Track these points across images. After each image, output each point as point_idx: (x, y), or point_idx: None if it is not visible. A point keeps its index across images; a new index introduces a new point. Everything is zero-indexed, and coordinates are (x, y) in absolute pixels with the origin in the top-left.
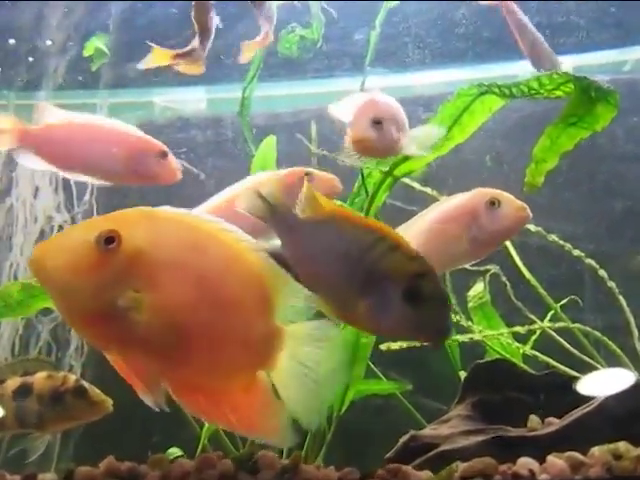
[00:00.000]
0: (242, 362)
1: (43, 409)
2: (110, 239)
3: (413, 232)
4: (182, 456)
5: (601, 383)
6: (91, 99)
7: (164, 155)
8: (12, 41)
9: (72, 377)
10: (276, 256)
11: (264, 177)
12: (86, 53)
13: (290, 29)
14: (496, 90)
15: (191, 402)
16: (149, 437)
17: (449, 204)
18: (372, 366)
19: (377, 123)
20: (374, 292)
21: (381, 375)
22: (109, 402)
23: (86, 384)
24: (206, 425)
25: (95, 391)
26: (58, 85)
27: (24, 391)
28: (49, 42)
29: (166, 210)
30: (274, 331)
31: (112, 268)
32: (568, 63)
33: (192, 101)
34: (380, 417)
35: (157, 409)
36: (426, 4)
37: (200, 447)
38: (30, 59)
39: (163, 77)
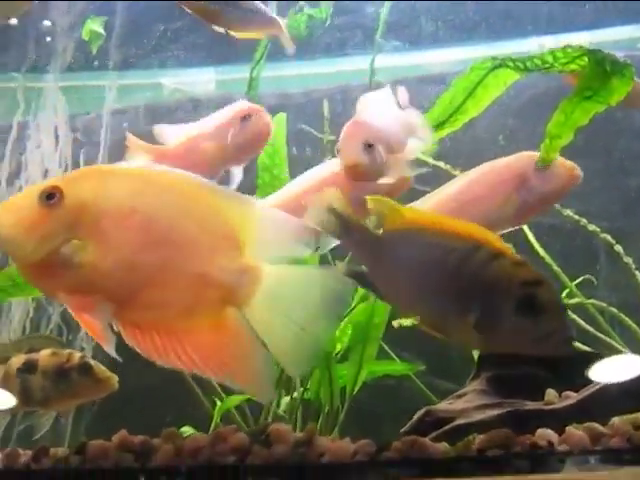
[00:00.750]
0: (201, 299)
1: (47, 386)
2: (51, 195)
3: (454, 196)
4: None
5: (616, 369)
6: (99, 81)
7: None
8: (14, 21)
9: (77, 354)
10: (360, 278)
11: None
12: (85, 36)
13: (298, 8)
14: (510, 64)
15: (144, 342)
16: (162, 417)
17: (493, 167)
18: (385, 346)
19: (369, 146)
20: (480, 305)
21: (394, 355)
22: (115, 379)
23: (92, 361)
24: (219, 404)
25: (100, 368)
26: (66, 67)
27: (28, 368)
28: (56, 24)
29: (119, 165)
30: (245, 267)
31: (55, 221)
32: (583, 39)
33: (201, 82)
34: (393, 397)
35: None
36: None
37: (213, 425)
38: (37, 41)
39: (172, 58)
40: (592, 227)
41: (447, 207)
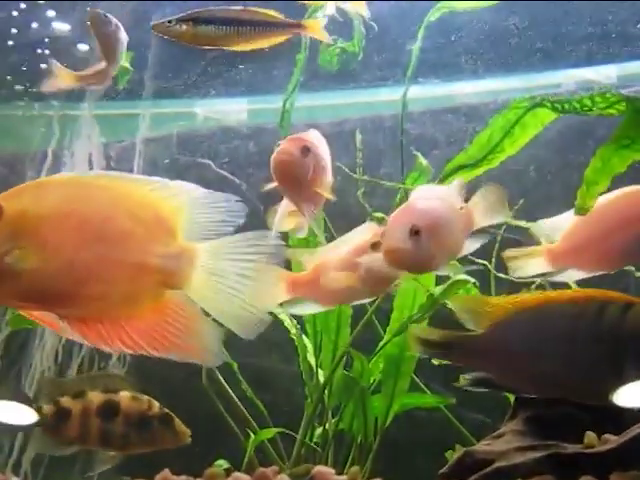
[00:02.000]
0: (141, 286)
1: (129, 431)
2: None
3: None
4: (230, 469)
5: None
6: (134, 109)
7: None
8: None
9: (155, 402)
10: (485, 384)
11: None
12: None
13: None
14: (548, 104)
15: (91, 334)
16: (192, 447)
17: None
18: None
19: (415, 233)
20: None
21: (424, 387)
22: (188, 434)
23: (170, 412)
24: (252, 436)
25: (178, 420)
26: (101, 95)
27: (110, 410)
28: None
29: (56, 176)
30: (180, 250)
31: None
32: (613, 72)
33: (234, 111)
34: (423, 428)
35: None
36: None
37: (247, 458)
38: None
39: (205, 87)
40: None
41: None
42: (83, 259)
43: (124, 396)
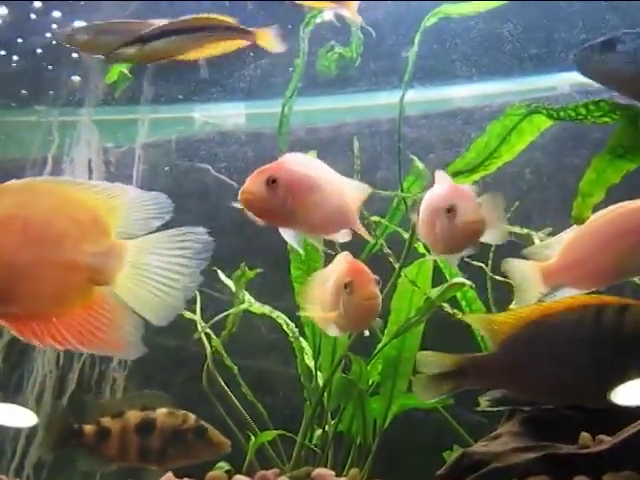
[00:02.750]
0: (72, 284)
1: (165, 445)
2: None
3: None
4: (231, 470)
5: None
6: (132, 115)
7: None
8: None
9: (191, 415)
10: (504, 402)
11: None
12: (109, 79)
13: (329, 47)
14: (543, 111)
15: (25, 330)
16: None
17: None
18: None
19: (448, 211)
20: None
21: None
22: (227, 444)
23: (206, 424)
24: (252, 439)
25: (214, 432)
26: (99, 101)
27: (147, 426)
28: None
29: (9, 182)
30: (110, 248)
31: None
32: None
33: (231, 116)
34: (421, 429)
35: None
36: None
37: (247, 461)
38: (72, 75)
39: (203, 92)
40: None
41: (582, 246)
42: (21, 260)
43: (160, 413)
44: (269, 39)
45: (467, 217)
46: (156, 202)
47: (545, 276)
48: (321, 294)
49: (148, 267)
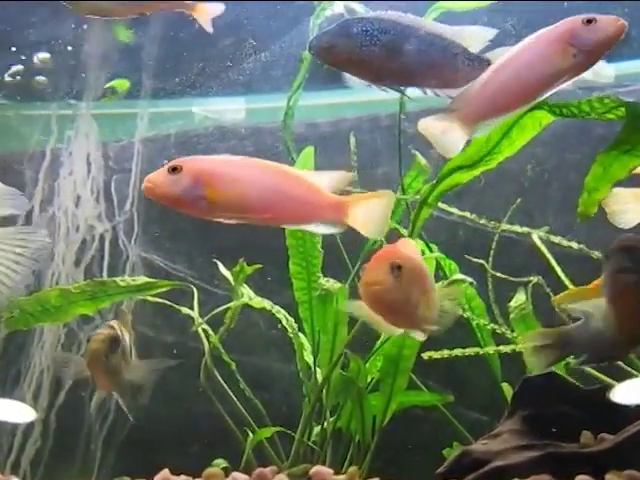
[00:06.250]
0: None
1: None
2: None
3: (507, 63)
4: (228, 468)
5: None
6: (131, 109)
7: None
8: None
9: None
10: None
11: None
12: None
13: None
14: (546, 107)
15: None
16: (190, 446)
17: (541, 31)
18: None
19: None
20: None
21: (422, 385)
22: None
23: None
24: (250, 436)
25: None
26: (99, 95)
27: None
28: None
29: None
30: None
31: None
32: (611, 71)
33: (231, 111)
34: (421, 426)
35: None
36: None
37: (245, 457)
38: (71, 68)
39: (203, 87)
40: None
41: (503, 74)
42: None
43: None
44: (205, 16)
45: None
46: (11, 198)
47: (464, 121)
48: None
49: None
